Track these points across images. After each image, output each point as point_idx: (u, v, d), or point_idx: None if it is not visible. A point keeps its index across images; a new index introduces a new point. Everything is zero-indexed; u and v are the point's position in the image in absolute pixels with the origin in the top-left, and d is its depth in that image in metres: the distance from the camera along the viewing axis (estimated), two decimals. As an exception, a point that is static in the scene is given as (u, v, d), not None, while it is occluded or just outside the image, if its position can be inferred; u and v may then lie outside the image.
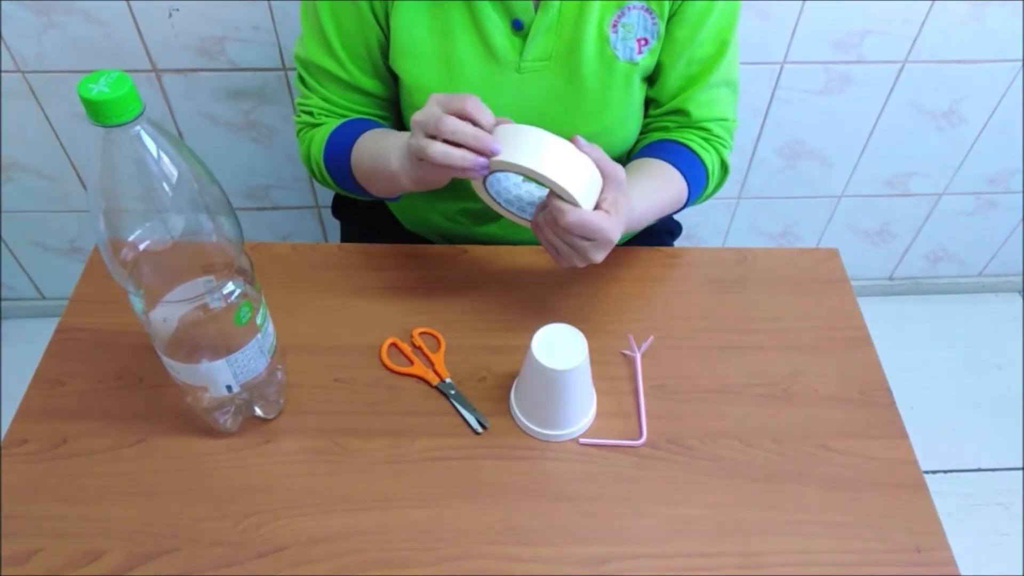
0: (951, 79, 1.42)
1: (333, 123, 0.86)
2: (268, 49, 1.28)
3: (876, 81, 1.42)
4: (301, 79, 0.89)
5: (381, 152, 0.78)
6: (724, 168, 0.91)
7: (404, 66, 0.84)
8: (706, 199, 0.93)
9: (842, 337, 0.78)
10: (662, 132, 0.91)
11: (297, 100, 0.91)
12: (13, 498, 0.69)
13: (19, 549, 0.65)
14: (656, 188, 0.83)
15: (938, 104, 1.47)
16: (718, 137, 0.89)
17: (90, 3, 1.20)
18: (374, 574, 0.65)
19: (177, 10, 1.22)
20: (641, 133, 0.94)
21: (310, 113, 0.88)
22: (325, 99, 0.87)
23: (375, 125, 0.88)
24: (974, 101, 1.47)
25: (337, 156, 0.85)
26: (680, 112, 0.89)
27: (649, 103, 0.91)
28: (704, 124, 0.88)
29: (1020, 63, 1.40)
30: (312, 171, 0.90)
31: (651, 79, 0.89)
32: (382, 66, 0.86)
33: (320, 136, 0.86)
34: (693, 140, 0.88)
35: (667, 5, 0.82)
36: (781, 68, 1.38)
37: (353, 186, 0.86)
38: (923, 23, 1.32)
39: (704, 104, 0.88)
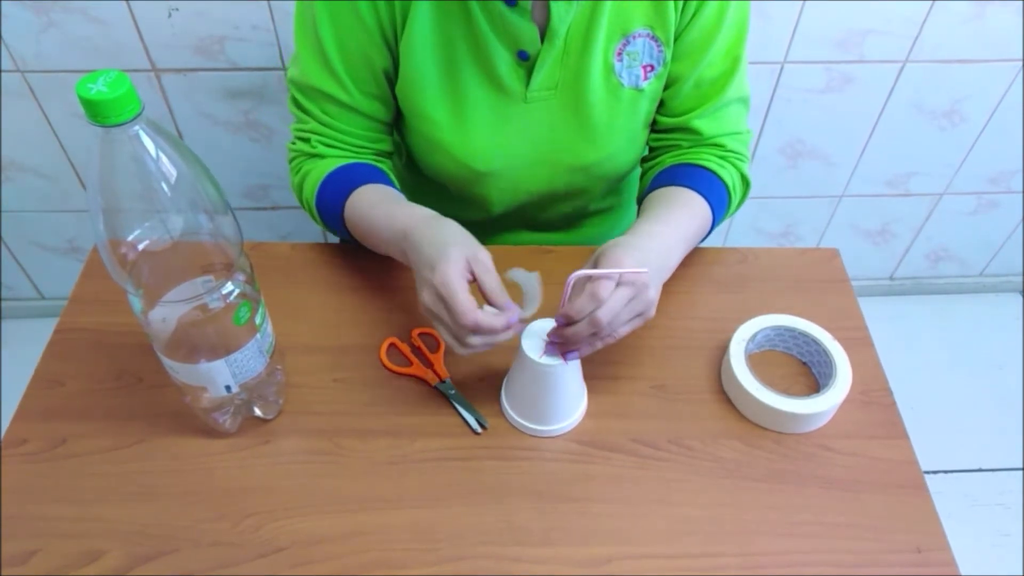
0: (952, 79, 1.42)
1: (329, 164, 0.84)
2: (267, 49, 1.28)
3: (877, 81, 1.42)
4: (296, 103, 0.85)
5: (382, 223, 0.78)
6: (745, 182, 0.88)
7: (412, 97, 0.83)
8: (731, 216, 0.90)
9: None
10: (675, 152, 0.88)
11: (292, 126, 0.87)
12: (12, 498, 0.68)
13: (18, 549, 0.65)
14: (682, 218, 0.79)
15: (939, 104, 1.47)
16: (734, 152, 0.86)
17: (89, 2, 1.20)
18: (373, 575, 0.65)
19: (176, 9, 1.22)
20: (652, 152, 0.92)
21: (306, 140, 0.85)
22: (324, 123, 0.83)
23: (373, 172, 0.85)
24: (975, 101, 1.47)
25: (331, 204, 0.83)
26: (691, 131, 0.86)
27: (657, 122, 0.89)
28: (717, 140, 0.86)
29: (1021, 63, 1.40)
30: (302, 203, 0.88)
31: (660, 100, 0.87)
32: (386, 89, 0.84)
33: (314, 178, 0.84)
34: (709, 159, 0.85)
35: (672, 31, 0.80)
36: (782, 67, 1.38)
37: (345, 234, 0.85)
38: (924, 22, 1.32)
39: (716, 120, 0.85)
